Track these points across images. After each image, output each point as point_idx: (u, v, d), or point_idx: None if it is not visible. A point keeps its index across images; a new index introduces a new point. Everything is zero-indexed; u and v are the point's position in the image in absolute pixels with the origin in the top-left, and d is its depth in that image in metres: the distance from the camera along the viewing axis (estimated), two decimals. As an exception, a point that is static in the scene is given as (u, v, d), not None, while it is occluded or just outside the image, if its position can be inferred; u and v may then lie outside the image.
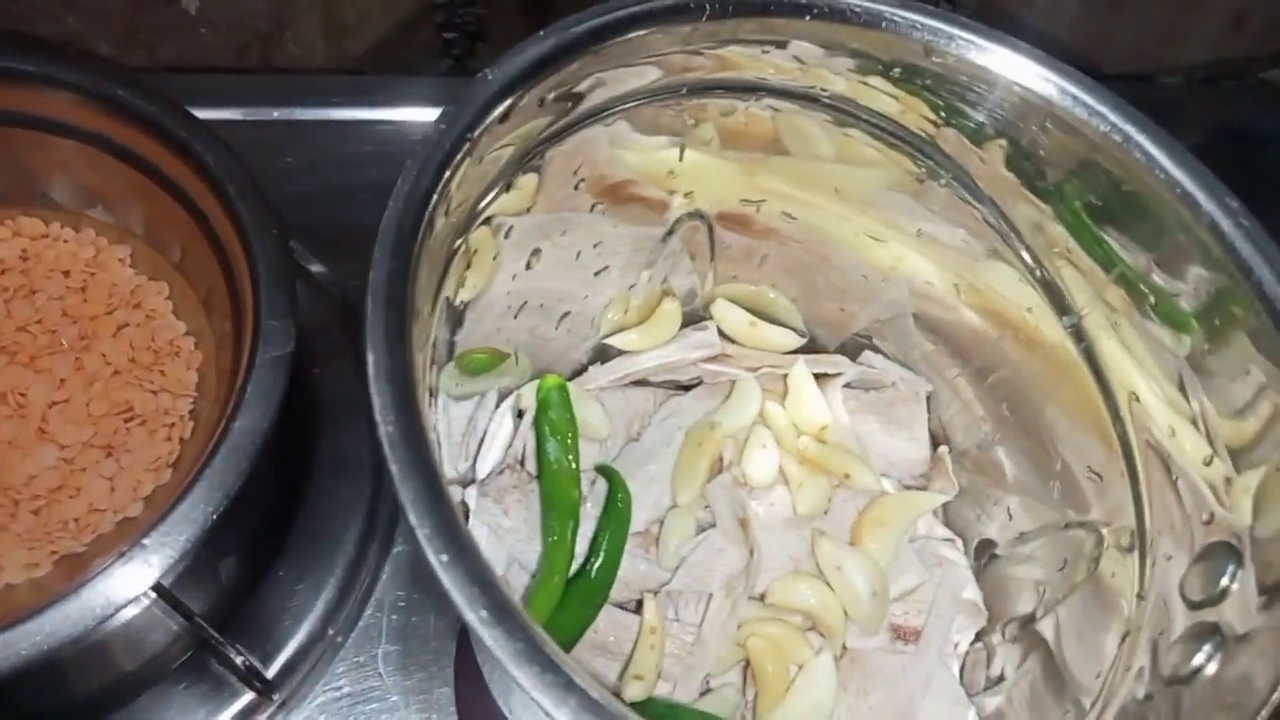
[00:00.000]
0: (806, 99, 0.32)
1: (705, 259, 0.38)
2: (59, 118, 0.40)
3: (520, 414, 0.37)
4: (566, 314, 0.37)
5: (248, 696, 0.38)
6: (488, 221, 0.30)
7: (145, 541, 0.31)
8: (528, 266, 0.34)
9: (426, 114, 0.54)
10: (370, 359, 0.23)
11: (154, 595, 0.32)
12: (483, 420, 0.36)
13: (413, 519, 0.22)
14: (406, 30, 0.55)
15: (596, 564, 0.34)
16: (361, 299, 0.50)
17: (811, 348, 0.39)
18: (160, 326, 0.42)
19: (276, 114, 0.53)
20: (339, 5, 0.53)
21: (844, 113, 0.32)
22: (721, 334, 0.39)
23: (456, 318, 0.31)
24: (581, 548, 0.35)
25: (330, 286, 0.48)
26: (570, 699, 0.20)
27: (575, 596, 0.34)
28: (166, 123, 0.38)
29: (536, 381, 0.36)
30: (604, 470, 0.35)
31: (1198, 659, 0.26)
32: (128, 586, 0.30)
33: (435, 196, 0.26)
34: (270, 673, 0.38)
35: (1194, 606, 0.27)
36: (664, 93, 0.31)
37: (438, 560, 0.22)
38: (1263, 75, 0.64)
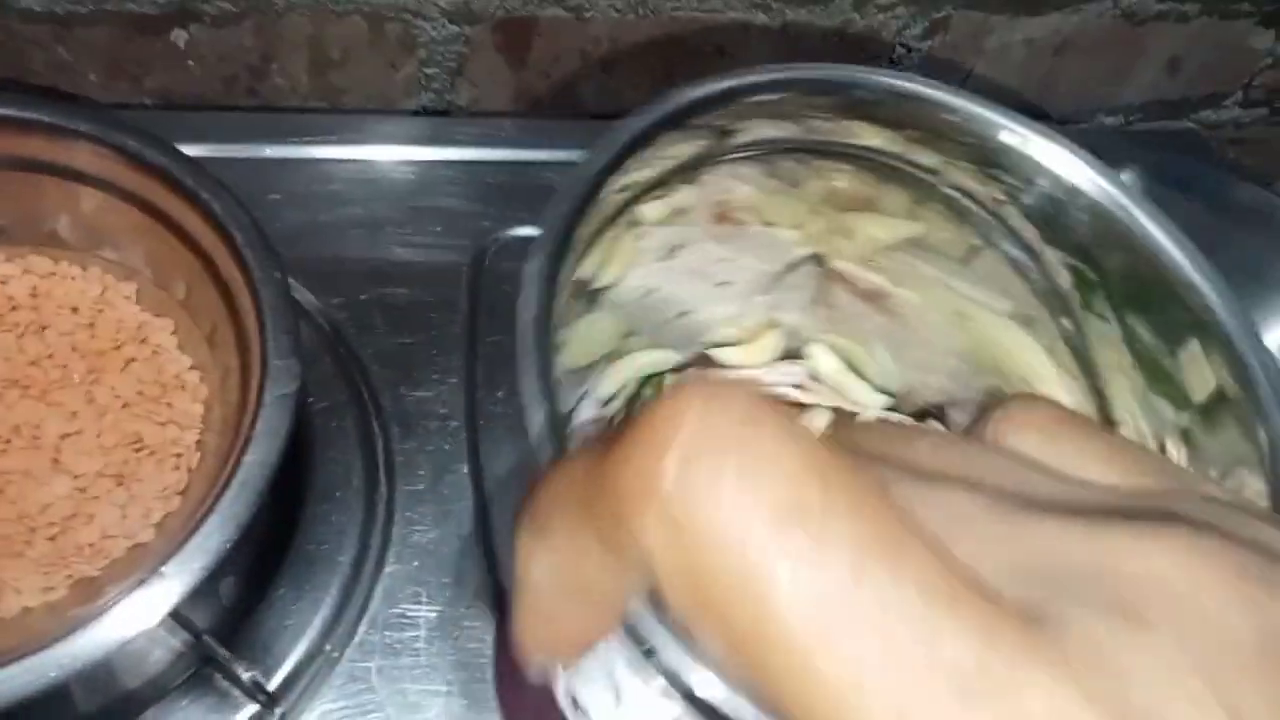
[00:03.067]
0: (900, 164, 0.37)
1: (814, 302, 0.42)
2: (71, 164, 0.41)
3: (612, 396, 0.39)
4: (683, 314, 0.41)
5: (250, 710, 0.39)
6: (632, 222, 0.35)
7: (164, 569, 0.33)
8: (671, 255, 0.38)
9: (407, 152, 0.56)
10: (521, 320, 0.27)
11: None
12: (590, 379, 0.38)
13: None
14: (389, 65, 0.58)
15: None
16: (348, 329, 0.53)
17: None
18: (166, 361, 0.42)
19: (263, 151, 0.56)
20: (325, 40, 0.56)
21: (926, 185, 0.37)
22: (812, 376, 0.42)
23: (592, 296, 0.36)
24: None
25: (319, 317, 0.49)
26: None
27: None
28: (176, 171, 0.40)
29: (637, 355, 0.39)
30: None
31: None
32: (148, 612, 0.32)
33: (596, 192, 0.31)
34: (271, 687, 0.39)
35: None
36: (799, 146, 0.37)
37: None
38: (1194, 116, 0.69)
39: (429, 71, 0.58)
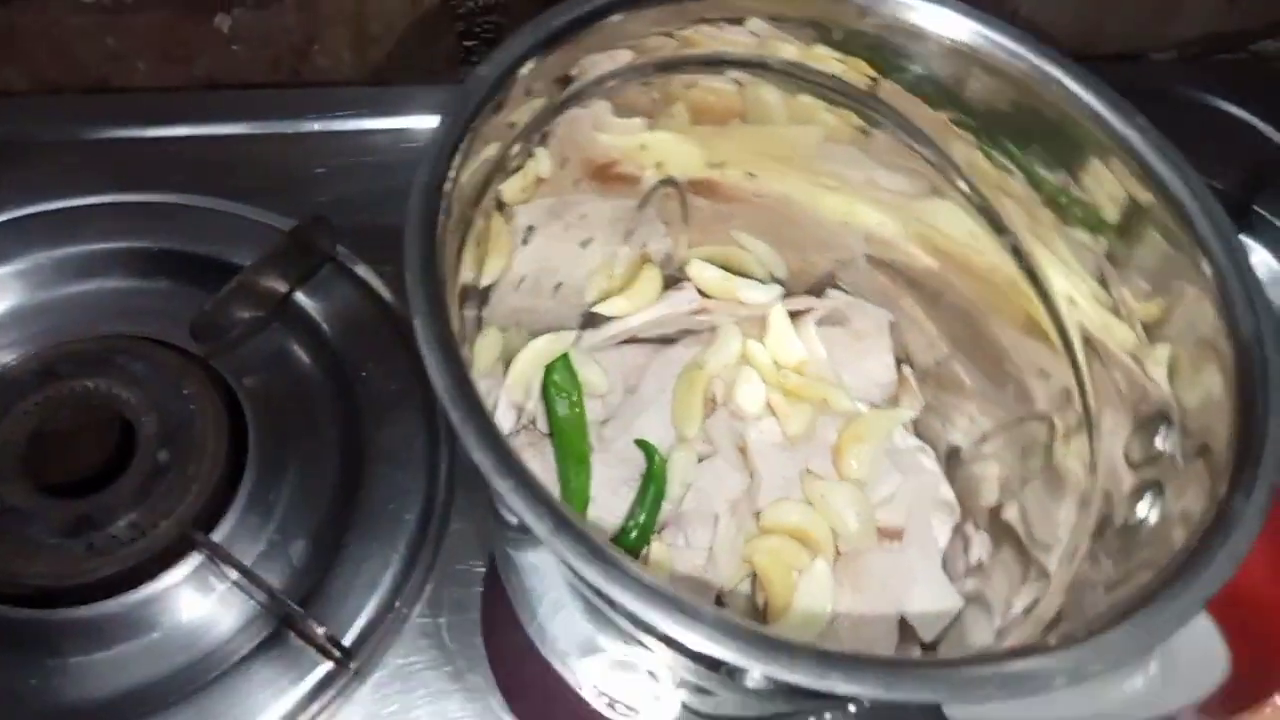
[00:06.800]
0: (761, 68, 0.35)
1: (678, 223, 0.41)
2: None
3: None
4: (559, 285, 0.40)
5: (325, 667, 0.41)
6: (499, 208, 0.33)
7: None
8: (524, 242, 0.37)
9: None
10: (418, 324, 0.26)
11: (238, 574, 0.35)
12: (495, 389, 0.38)
13: (478, 455, 0.25)
14: (428, 40, 0.58)
15: (633, 534, 0.37)
16: (403, 288, 0.53)
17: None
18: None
19: (306, 126, 0.57)
20: (365, 17, 0.56)
21: (794, 78, 0.35)
22: (700, 292, 0.42)
23: (481, 297, 0.34)
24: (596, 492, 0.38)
25: (374, 286, 0.52)
26: (631, 585, 0.23)
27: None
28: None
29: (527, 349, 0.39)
30: (641, 444, 0.38)
31: (1141, 508, 0.30)
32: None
33: (450, 185, 0.29)
34: (346, 643, 0.41)
35: (1136, 467, 0.31)
36: (638, 72, 0.34)
37: (505, 486, 0.24)
38: (1254, 47, 0.66)
39: (468, 44, 0.58)
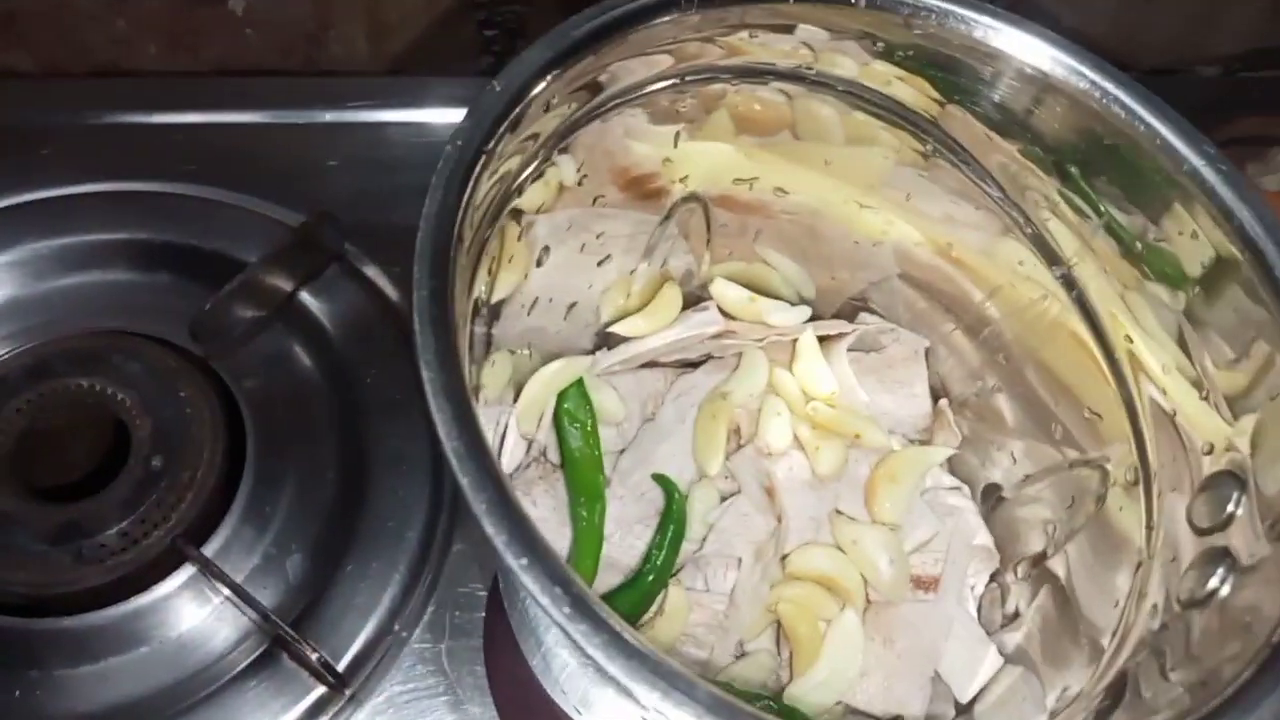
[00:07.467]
0: (812, 83, 0.32)
1: (701, 239, 0.38)
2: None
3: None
4: (573, 305, 0.37)
5: (319, 691, 0.38)
6: (515, 218, 0.30)
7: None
8: (538, 263, 0.34)
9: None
10: (426, 377, 0.23)
11: (229, 591, 0.33)
12: (504, 417, 0.36)
13: (489, 528, 0.22)
14: (448, 28, 0.55)
15: (650, 577, 0.34)
16: (410, 299, 0.51)
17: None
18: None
19: (319, 116, 0.53)
20: (381, 5, 0.53)
21: (850, 95, 0.32)
22: (722, 312, 0.39)
23: (492, 313, 0.31)
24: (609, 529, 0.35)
25: (382, 287, 0.49)
26: (660, 682, 0.21)
27: (623, 603, 0.34)
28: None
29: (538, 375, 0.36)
30: (660, 480, 0.36)
31: (1211, 583, 0.27)
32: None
33: (460, 213, 0.26)
34: (340, 667, 0.39)
35: (1202, 533, 0.28)
36: (675, 80, 0.31)
37: (518, 565, 0.22)
38: None
39: (489, 34, 0.55)
